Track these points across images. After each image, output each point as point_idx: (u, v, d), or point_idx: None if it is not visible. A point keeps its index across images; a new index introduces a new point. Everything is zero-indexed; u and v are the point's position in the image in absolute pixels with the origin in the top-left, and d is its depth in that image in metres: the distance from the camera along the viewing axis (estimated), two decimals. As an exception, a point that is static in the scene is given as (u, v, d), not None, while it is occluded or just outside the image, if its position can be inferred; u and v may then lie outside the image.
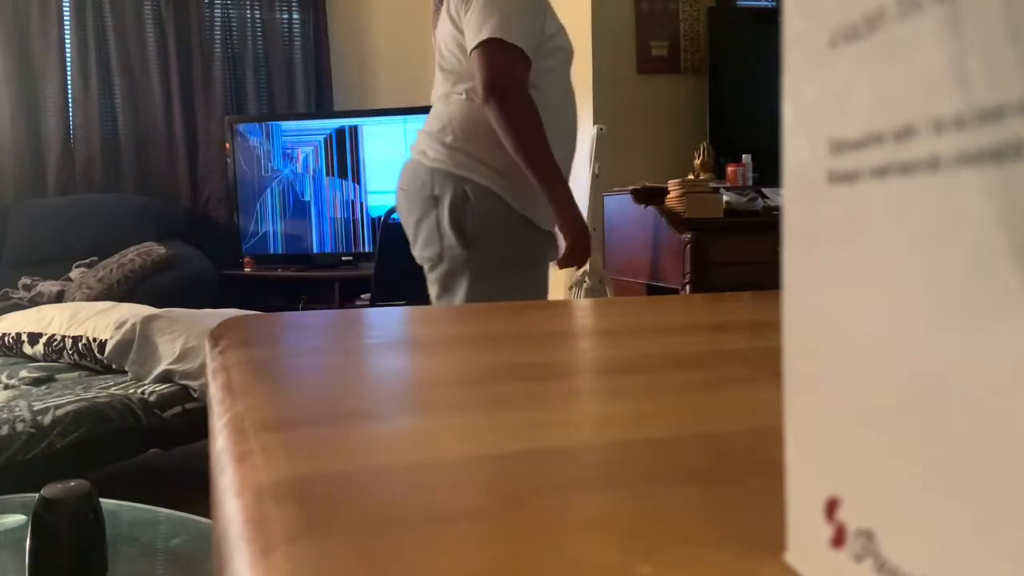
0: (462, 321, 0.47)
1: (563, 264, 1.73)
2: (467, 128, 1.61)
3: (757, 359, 0.33)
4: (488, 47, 1.51)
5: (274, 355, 0.35)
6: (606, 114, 2.84)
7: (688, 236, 2.30)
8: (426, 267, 1.67)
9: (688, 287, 2.30)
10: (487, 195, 1.59)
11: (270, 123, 3.96)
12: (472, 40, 1.53)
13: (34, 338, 2.37)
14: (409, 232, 1.70)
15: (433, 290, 1.68)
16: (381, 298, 3.16)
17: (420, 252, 1.67)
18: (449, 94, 1.63)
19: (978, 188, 0.09)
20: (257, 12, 4.17)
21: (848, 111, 0.11)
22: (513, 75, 1.52)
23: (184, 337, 2.13)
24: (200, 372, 2.05)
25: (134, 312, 2.30)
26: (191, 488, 1.43)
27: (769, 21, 2.93)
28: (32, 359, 2.36)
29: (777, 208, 2.41)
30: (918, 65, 0.10)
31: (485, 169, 1.59)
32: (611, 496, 0.17)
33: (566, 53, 1.66)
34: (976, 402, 0.09)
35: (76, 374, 2.22)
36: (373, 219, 3.84)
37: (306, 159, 3.92)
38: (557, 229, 1.68)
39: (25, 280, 3.19)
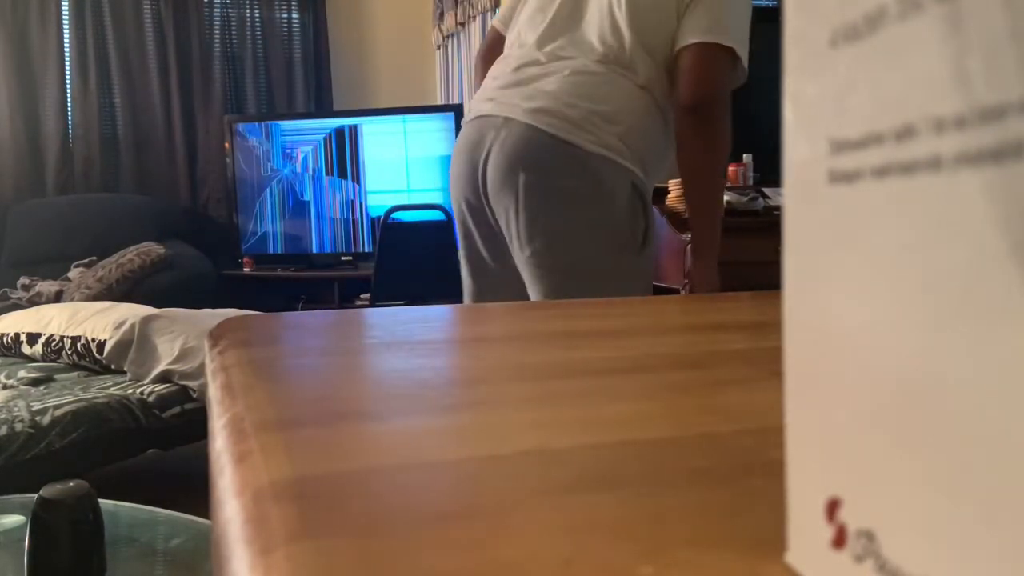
0: (461, 321, 0.47)
1: None
2: (642, 124, 1.32)
3: (757, 359, 0.33)
4: (719, 52, 1.28)
5: (274, 355, 0.35)
6: (606, 114, 2.84)
7: (689, 236, 2.30)
8: (558, 275, 1.31)
9: (689, 287, 2.30)
10: (647, 196, 1.36)
11: (269, 122, 3.96)
12: (701, 35, 1.27)
13: (33, 338, 2.37)
14: (530, 226, 1.30)
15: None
16: (381, 298, 3.16)
17: (561, 256, 1.30)
18: (613, 77, 1.31)
19: (978, 188, 0.09)
20: (256, 12, 4.17)
21: (849, 111, 0.11)
22: (727, 92, 1.31)
23: (183, 337, 2.13)
24: (199, 372, 2.05)
25: (133, 312, 2.30)
26: (191, 488, 1.43)
27: (770, 20, 2.93)
28: (31, 359, 2.36)
29: (778, 208, 2.41)
30: (919, 65, 0.10)
31: (646, 169, 1.35)
32: (611, 496, 0.17)
33: None
34: (976, 402, 0.09)
35: (75, 374, 2.22)
36: (373, 219, 3.84)
37: (305, 159, 3.92)
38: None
39: (24, 280, 3.19)
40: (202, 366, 2.01)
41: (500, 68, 1.41)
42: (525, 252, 1.32)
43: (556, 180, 1.28)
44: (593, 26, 1.33)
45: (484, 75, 1.52)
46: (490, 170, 1.32)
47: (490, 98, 1.36)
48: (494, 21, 1.59)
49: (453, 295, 3.17)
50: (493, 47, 1.55)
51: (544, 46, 1.35)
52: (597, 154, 1.28)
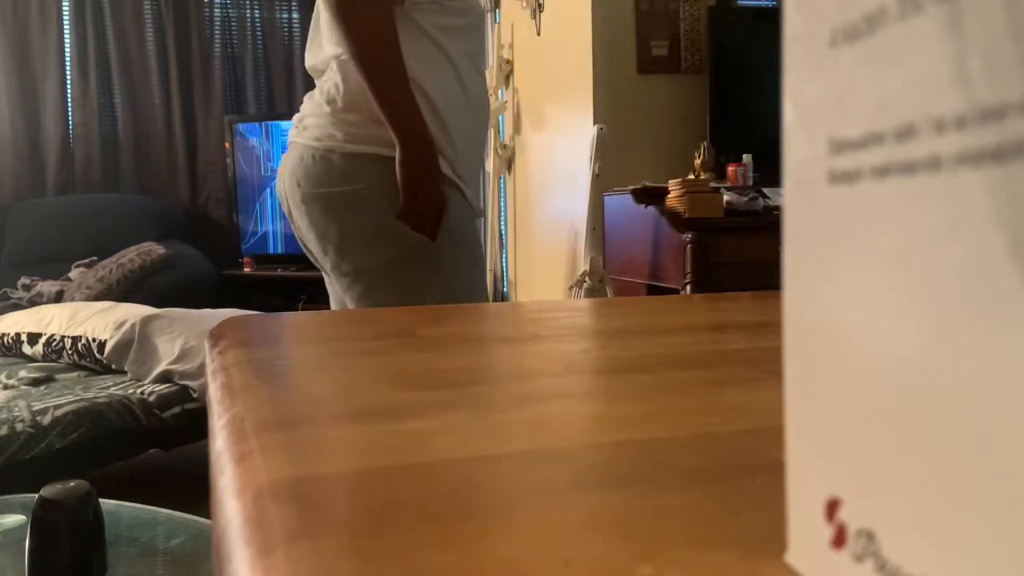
0: (461, 321, 0.47)
1: (417, 224, 1.28)
2: (350, 91, 1.27)
3: (757, 359, 0.33)
4: None
5: (274, 355, 0.35)
6: (606, 114, 2.84)
7: (689, 236, 2.30)
8: (358, 285, 1.29)
9: (689, 287, 2.30)
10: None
11: (269, 123, 3.96)
12: None
13: (33, 338, 2.37)
14: (318, 240, 1.28)
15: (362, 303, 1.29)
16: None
17: (352, 264, 1.27)
18: (342, 63, 1.27)
19: (979, 188, 0.09)
20: (256, 12, 4.17)
21: (849, 110, 0.11)
22: None
23: (183, 337, 2.13)
24: (199, 372, 2.05)
25: (133, 312, 2.30)
26: (191, 488, 1.43)
27: (770, 20, 2.93)
28: (31, 359, 2.37)
29: (778, 208, 2.41)
30: (919, 65, 0.10)
31: (386, 136, 1.25)
32: (611, 496, 0.17)
33: (478, 15, 1.37)
34: (976, 402, 0.09)
35: (75, 374, 2.22)
36: (373, 219, 3.83)
37: (306, 159, 3.91)
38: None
39: (24, 280, 3.19)
40: (202, 366, 2.01)
41: None
42: (326, 267, 1.33)
43: (322, 188, 1.27)
44: (324, 28, 1.31)
45: None
46: (286, 198, 1.33)
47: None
48: None
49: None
50: None
51: (312, 64, 1.36)
52: (352, 152, 1.25)
